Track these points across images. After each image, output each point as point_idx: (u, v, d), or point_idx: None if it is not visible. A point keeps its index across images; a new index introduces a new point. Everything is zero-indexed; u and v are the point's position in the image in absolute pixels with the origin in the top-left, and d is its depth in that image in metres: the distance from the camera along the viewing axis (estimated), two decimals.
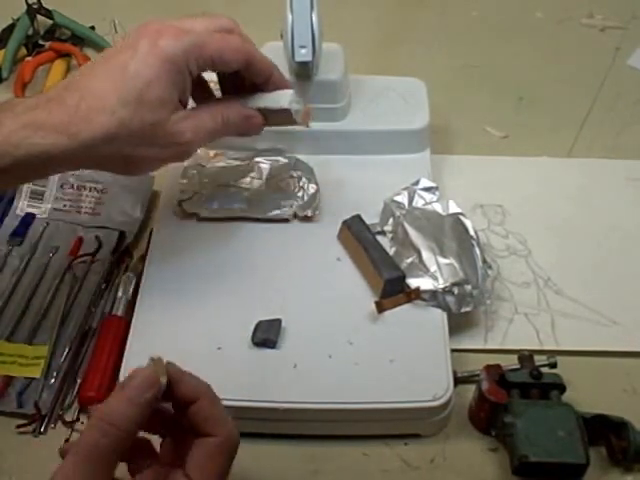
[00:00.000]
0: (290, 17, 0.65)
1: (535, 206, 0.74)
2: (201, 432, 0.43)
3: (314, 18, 0.65)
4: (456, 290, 0.60)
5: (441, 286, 0.60)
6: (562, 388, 0.56)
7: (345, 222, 0.64)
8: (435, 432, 0.57)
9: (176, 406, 0.44)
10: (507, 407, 0.54)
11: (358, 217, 0.64)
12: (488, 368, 0.57)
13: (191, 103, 0.56)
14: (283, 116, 0.60)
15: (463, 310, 0.60)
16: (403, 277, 0.60)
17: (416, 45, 0.94)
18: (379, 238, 0.64)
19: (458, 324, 0.62)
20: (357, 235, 0.63)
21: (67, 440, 0.56)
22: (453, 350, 0.59)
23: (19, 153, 0.48)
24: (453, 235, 0.63)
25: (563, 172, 0.77)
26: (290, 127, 0.71)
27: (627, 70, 0.91)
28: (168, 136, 0.52)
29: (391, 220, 0.65)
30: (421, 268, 0.61)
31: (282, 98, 0.59)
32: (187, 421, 0.43)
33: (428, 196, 0.66)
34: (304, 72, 0.68)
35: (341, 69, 0.71)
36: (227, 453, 0.43)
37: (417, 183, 0.67)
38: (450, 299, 0.60)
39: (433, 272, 0.61)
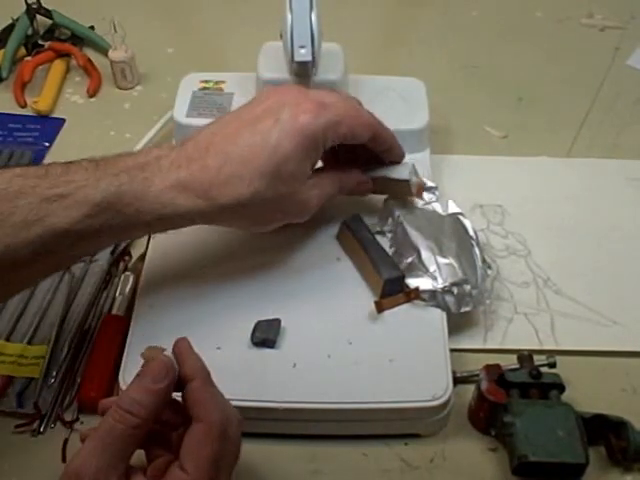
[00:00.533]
0: (290, 17, 0.65)
1: (535, 206, 0.74)
2: (192, 416, 0.44)
3: (314, 18, 0.65)
4: (455, 290, 0.60)
5: (440, 286, 0.60)
6: (561, 388, 0.56)
7: (344, 222, 0.64)
8: (435, 432, 0.57)
9: (177, 387, 0.45)
10: (506, 407, 0.54)
11: (357, 217, 0.64)
12: (487, 368, 0.57)
13: None
14: (399, 186, 0.64)
15: (462, 310, 0.60)
16: (402, 277, 0.60)
17: (416, 45, 0.94)
18: (378, 238, 0.64)
19: (458, 324, 0.62)
20: (356, 235, 0.63)
21: (66, 440, 0.56)
22: (452, 350, 0.59)
23: (165, 211, 0.52)
24: (452, 235, 0.63)
25: (563, 172, 0.77)
26: None
27: (626, 70, 0.91)
28: (296, 204, 0.56)
29: (390, 220, 0.65)
30: (420, 268, 0.61)
31: (403, 170, 0.64)
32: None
33: (428, 196, 0.66)
34: (304, 72, 0.68)
35: (341, 69, 0.71)
36: (217, 438, 0.43)
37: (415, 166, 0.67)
38: (449, 299, 0.60)
39: (432, 272, 0.61)
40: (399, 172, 0.64)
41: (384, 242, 0.64)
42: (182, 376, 0.45)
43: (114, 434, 0.42)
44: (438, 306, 0.60)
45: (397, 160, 0.63)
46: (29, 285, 0.60)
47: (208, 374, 0.46)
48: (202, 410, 0.44)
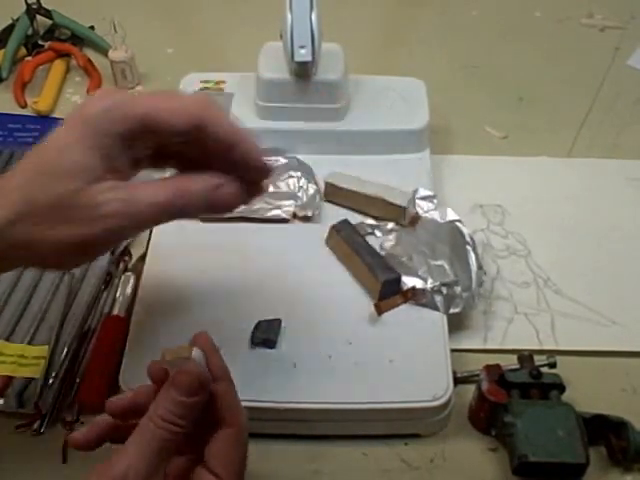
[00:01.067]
0: (290, 17, 0.66)
1: (535, 206, 0.74)
2: (219, 418, 0.43)
3: (314, 18, 0.65)
4: (445, 290, 0.60)
5: (430, 285, 0.60)
6: (562, 388, 0.56)
7: (334, 227, 0.64)
8: (435, 432, 0.57)
9: None
10: (507, 407, 0.54)
11: (346, 221, 0.65)
12: (488, 368, 0.57)
13: None
14: (394, 211, 0.64)
15: (451, 311, 0.60)
16: (399, 278, 0.61)
17: (416, 45, 0.94)
18: (367, 239, 0.64)
19: (458, 324, 0.62)
20: (347, 239, 0.63)
21: (66, 440, 0.56)
22: (453, 350, 0.59)
23: None
24: (447, 239, 0.64)
25: (563, 172, 0.77)
26: (291, 126, 0.71)
27: (627, 70, 0.91)
28: (85, 209, 0.41)
29: (390, 225, 0.66)
30: (411, 268, 0.61)
31: (402, 196, 0.64)
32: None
33: (426, 205, 0.66)
34: (304, 72, 0.68)
35: (341, 69, 0.71)
36: (245, 443, 0.44)
37: (416, 192, 0.67)
38: (438, 299, 0.60)
39: (422, 274, 0.61)
40: (398, 198, 0.65)
41: (374, 243, 0.64)
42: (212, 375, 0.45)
43: (161, 442, 0.41)
44: (427, 306, 0.60)
45: (257, 173, 0.45)
46: None
47: (229, 373, 0.45)
48: (232, 414, 0.44)
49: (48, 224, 0.41)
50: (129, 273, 0.66)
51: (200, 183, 0.44)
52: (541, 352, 0.60)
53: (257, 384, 0.55)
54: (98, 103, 0.42)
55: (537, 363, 0.58)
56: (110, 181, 0.42)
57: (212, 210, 0.45)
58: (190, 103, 0.43)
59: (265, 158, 0.45)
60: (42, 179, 0.41)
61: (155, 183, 0.44)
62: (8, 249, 0.42)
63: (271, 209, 0.67)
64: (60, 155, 0.41)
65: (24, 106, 0.85)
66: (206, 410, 0.44)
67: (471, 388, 0.58)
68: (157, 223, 0.44)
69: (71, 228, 0.42)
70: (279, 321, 0.58)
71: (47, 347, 0.60)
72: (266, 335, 0.57)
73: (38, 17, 0.91)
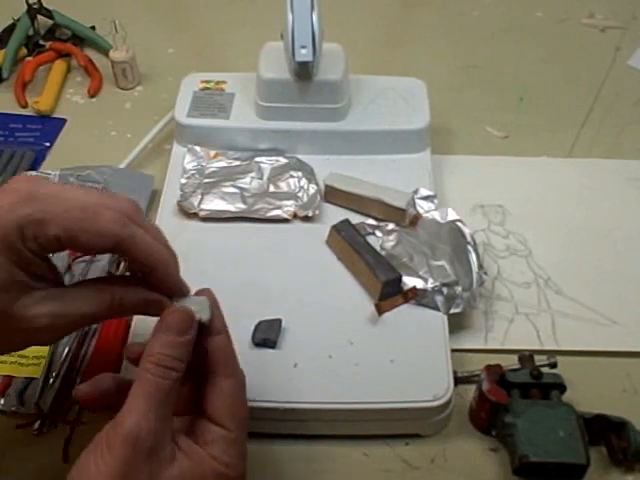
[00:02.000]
0: (290, 17, 0.66)
1: (535, 206, 0.74)
2: (218, 370, 0.44)
3: (314, 18, 0.65)
4: (445, 290, 0.60)
5: (430, 285, 0.60)
6: (562, 388, 0.56)
7: (334, 227, 0.64)
8: (436, 432, 0.57)
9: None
10: (507, 407, 0.54)
11: (347, 221, 0.65)
12: (488, 368, 0.57)
13: None
14: (394, 213, 0.64)
15: (452, 311, 0.60)
16: (400, 278, 0.61)
17: (416, 45, 0.94)
18: (368, 239, 0.64)
19: (458, 324, 0.62)
20: (348, 239, 0.63)
21: (67, 440, 0.56)
22: (453, 350, 0.59)
23: None
24: (448, 240, 0.64)
25: (563, 172, 0.77)
26: (292, 126, 0.71)
27: (627, 70, 0.91)
28: (16, 322, 0.41)
29: (390, 225, 0.66)
30: (412, 268, 0.61)
31: (401, 198, 0.64)
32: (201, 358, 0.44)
33: (427, 205, 0.66)
34: (304, 72, 0.68)
35: (342, 69, 0.71)
36: (244, 394, 0.44)
37: (416, 192, 0.67)
38: (439, 298, 0.60)
39: (423, 274, 0.61)
40: (397, 199, 0.65)
41: (374, 243, 0.64)
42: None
43: (163, 390, 0.41)
44: (427, 305, 0.60)
45: (175, 294, 0.45)
46: None
47: (227, 327, 0.46)
48: (230, 366, 0.44)
49: None
50: (129, 273, 0.65)
51: (135, 294, 0.45)
52: (542, 352, 0.60)
53: (257, 384, 0.55)
54: (8, 215, 0.40)
55: (538, 363, 0.58)
56: (41, 291, 0.42)
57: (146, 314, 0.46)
58: (110, 222, 0.42)
59: (182, 285, 0.46)
60: None
61: (88, 291, 0.44)
62: None
63: (272, 209, 0.67)
64: None
65: (25, 106, 0.85)
66: (203, 363, 0.44)
67: (472, 388, 0.58)
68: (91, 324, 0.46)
69: (5, 338, 0.43)
70: (279, 321, 0.58)
71: (48, 347, 0.60)
72: (266, 335, 0.57)
73: (39, 17, 0.92)
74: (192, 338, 0.43)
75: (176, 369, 0.42)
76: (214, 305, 0.46)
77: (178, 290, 0.45)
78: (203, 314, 0.45)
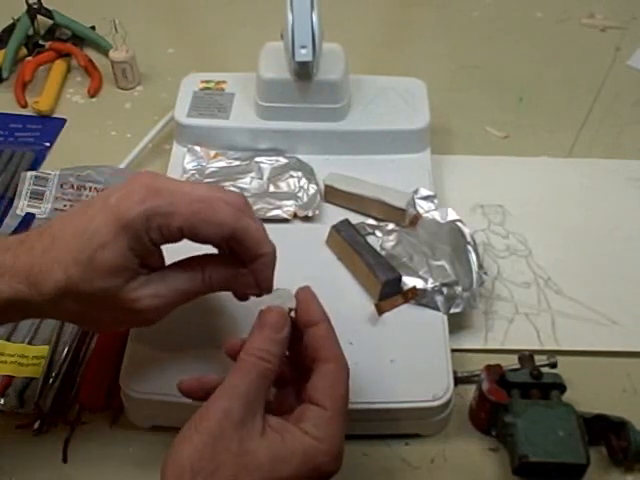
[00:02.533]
0: (290, 17, 0.65)
1: (535, 206, 0.74)
2: (319, 356, 0.45)
3: (314, 18, 0.65)
4: (445, 290, 0.60)
5: (430, 285, 0.60)
6: (562, 388, 0.56)
7: (334, 227, 0.64)
8: (435, 432, 0.57)
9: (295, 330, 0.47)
10: (507, 407, 0.54)
11: (347, 221, 0.65)
12: (488, 368, 0.57)
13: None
14: (394, 213, 0.64)
15: (452, 311, 0.60)
16: (399, 278, 0.61)
17: (416, 45, 0.94)
18: (368, 239, 0.64)
19: (458, 324, 0.62)
20: (348, 239, 0.63)
21: (67, 440, 0.56)
22: (453, 350, 0.59)
23: None
24: (448, 240, 0.64)
25: (563, 172, 0.77)
26: (292, 126, 0.71)
27: (627, 70, 0.91)
28: (122, 302, 0.46)
29: (390, 225, 0.66)
30: (412, 268, 0.61)
31: (401, 198, 0.65)
32: (303, 347, 0.46)
33: (427, 205, 0.66)
34: (304, 72, 0.68)
35: (342, 69, 0.71)
36: (346, 379, 0.45)
37: (416, 192, 0.67)
38: (439, 298, 0.60)
39: (423, 273, 0.61)
40: (397, 199, 0.65)
41: (374, 243, 0.64)
42: (305, 322, 0.47)
43: (257, 375, 0.44)
44: (427, 305, 0.60)
45: (260, 287, 0.50)
46: None
47: (328, 316, 0.48)
48: (331, 351, 0.46)
49: (89, 306, 0.46)
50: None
51: (222, 272, 0.49)
52: (542, 352, 0.60)
53: None
54: (137, 207, 0.44)
55: (538, 363, 0.58)
56: (142, 276, 0.47)
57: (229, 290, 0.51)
58: (227, 214, 0.46)
59: (272, 281, 0.50)
60: (82, 269, 0.45)
61: (182, 271, 0.48)
62: (64, 313, 0.48)
63: (271, 209, 0.67)
64: (102, 252, 0.44)
65: (25, 106, 0.85)
66: (305, 351, 0.46)
67: (472, 388, 0.58)
68: (185, 302, 0.50)
69: (109, 314, 0.47)
70: None
71: (48, 347, 0.60)
72: None
73: (39, 17, 0.92)
74: (287, 336, 0.46)
75: (268, 361, 0.44)
76: (312, 296, 0.48)
77: (271, 280, 0.50)
78: (290, 303, 0.48)
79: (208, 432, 0.42)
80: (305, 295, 0.48)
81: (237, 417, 0.42)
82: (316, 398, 0.44)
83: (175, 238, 0.46)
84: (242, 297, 0.52)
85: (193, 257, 0.49)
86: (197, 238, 0.46)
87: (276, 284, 0.61)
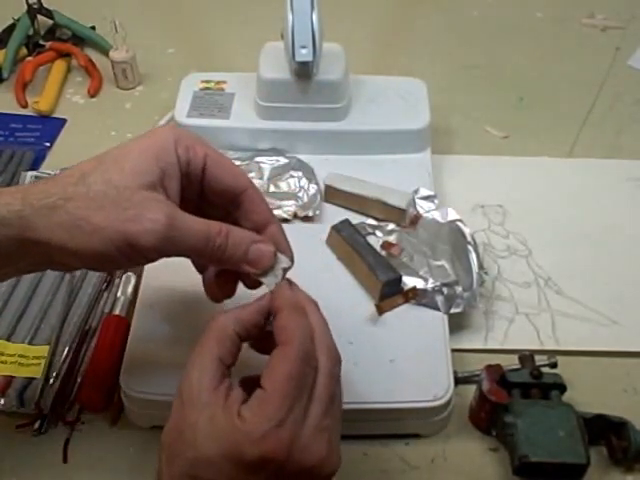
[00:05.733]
0: (291, 17, 0.65)
1: (535, 206, 0.74)
2: (277, 341, 0.45)
3: (315, 18, 0.65)
4: (446, 290, 0.60)
5: (431, 285, 0.60)
6: (562, 388, 0.56)
7: (334, 227, 0.64)
8: (436, 432, 0.57)
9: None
10: (508, 407, 0.54)
11: (347, 221, 0.65)
12: (489, 368, 0.57)
13: None
14: (394, 213, 0.64)
15: (452, 311, 0.60)
16: (400, 278, 0.61)
17: (417, 45, 0.94)
18: (368, 239, 0.64)
19: (459, 324, 0.62)
20: (348, 239, 0.63)
21: (67, 440, 0.56)
22: (453, 350, 0.59)
23: None
24: (448, 240, 0.64)
25: (563, 172, 0.77)
26: (292, 126, 0.71)
27: (627, 70, 0.91)
28: (134, 204, 0.43)
29: (390, 225, 0.66)
30: (412, 268, 0.61)
31: (401, 198, 0.64)
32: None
33: (427, 205, 0.66)
34: (304, 72, 0.68)
35: (342, 69, 0.71)
36: (297, 359, 0.43)
37: (417, 192, 0.67)
38: (439, 298, 0.60)
39: (423, 273, 0.61)
40: (397, 199, 0.65)
41: (374, 243, 0.64)
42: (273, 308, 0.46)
43: (222, 332, 0.45)
44: (427, 305, 0.60)
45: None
46: None
47: (303, 307, 0.46)
48: (284, 334, 0.44)
49: (96, 206, 0.43)
50: (130, 273, 0.66)
51: (244, 232, 0.48)
52: (542, 352, 0.60)
53: None
54: (170, 130, 0.47)
55: (538, 363, 0.58)
56: (163, 195, 0.45)
57: (242, 262, 0.47)
58: (245, 174, 0.49)
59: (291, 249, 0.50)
60: (103, 167, 0.45)
61: (202, 219, 0.46)
62: (54, 227, 0.43)
63: (272, 209, 0.66)
64: (127, 154, 0.45)
65: (25, 106, 0.85)
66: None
67: (472, 388, 0.58)
68: (189, 255, 0.48)
69: (114, 215, 0.43)
70: None
71: (48, 347, 0.60)
72: None
73: (39, 17, 0.92)
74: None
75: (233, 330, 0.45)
76: (289, 285, 0.48)
77: (290, 247, 0.50)
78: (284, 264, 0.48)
79: (179, 395, 0.43)
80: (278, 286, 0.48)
81: (204, 385, 0.43)
82: (262, 381, 0.43)
83: (198, 169, 0.47)
84: (253, 284, 0.50)
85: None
86: (216, 183, 0.47)
87: None
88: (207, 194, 0.49)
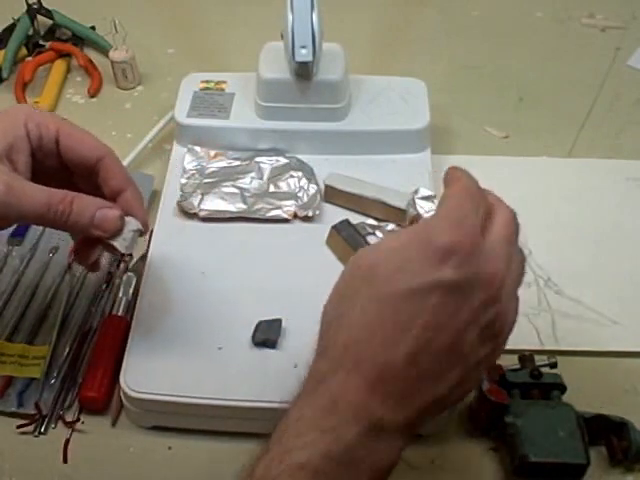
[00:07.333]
0: (290, 17, 0.66)
1: (535, 206, 0.73)
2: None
3: (314, 18, 0.65)
4: None
5: None
6: (562, 388, 0.56)
7: (334, 227, 0.64)
8: (435, 432, 0.57)
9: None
10: (508, 407, 0.54)
11: (347, 221, 0.65)
12: (489, 368, 0.57)
13: None
14: (394, 213, 0.64)
15: None
16: None
17: (416, 45, 0.94)
18: (368, 239, 0.64)
19: None
20: (348, 239, 0.63)
21: (67, 440, 0.56)
22: None
23: None
24: None
25: (563, 172, 0.77)
26: (292, 126, 0.71)
27: (627, 70, 0.91)
28: None
29: (390, 225, 0.66)
30: None
31: (401, 198, 0.64)
32: None
33: (427, 205, 0.66)
34: (304, 72, 0.68)
35: (341, 69, 0.71)
36: (470, 186, 0.47)
37: (416, 192, 0.67)
38: None
39: None
40: (397, 200, 0.65)
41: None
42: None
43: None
44: None
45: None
46: None
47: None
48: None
49: None
50: (130, 273, 0.66)
51: (90, 199, 0.50)
52: (542, 352, 0.60)
53: (258, 384, 0.55)
54: (21, 108, 0.52)
55: (538, 363, 0.58)
56: (8, 167, 0.47)
57: (89, 227, 0.49)
58: (100, 143, 0.52)
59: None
60: None
61: (45, 187, 0.48)
62: None
63: (272, 209, 0.67)
64: None
65: None
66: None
67: None
68: (35, 221, 0.50)
69: None
70: (279, 321, 0.58)
71: (48, 347, 0.60)
72: (267, 335, 0.57)
73: (39, 17, 0.91)
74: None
75: None
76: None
77: (146, 213, 0.53)
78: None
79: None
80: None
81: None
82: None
83: (51, 142, 0.50)
84: (94, 266, 0.55)
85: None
86: (73, 154, 0.50)
87: (276, 283, 0.62)
88: (69, 166, 0.52)
